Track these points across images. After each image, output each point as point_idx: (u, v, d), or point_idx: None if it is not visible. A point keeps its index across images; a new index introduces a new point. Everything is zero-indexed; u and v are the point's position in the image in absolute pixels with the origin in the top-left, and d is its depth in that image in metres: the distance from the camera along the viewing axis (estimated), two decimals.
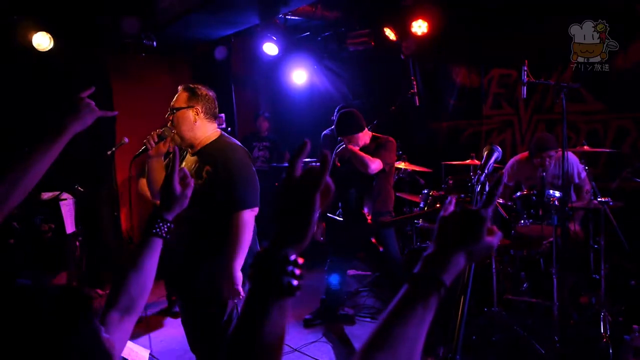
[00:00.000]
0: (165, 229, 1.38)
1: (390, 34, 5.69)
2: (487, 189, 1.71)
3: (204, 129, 2.71)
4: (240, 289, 2.53)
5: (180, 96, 2.70)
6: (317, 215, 0.86)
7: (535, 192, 3.83)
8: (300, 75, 6.81)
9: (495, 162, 1.77)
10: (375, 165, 3.86)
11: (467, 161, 4.44)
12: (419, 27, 5.39)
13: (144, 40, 5.11)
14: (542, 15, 4.69)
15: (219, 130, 2.80)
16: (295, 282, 0.82)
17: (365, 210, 3.99)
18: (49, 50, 4.99)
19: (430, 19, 5.32)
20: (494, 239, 0.97)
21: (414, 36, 5.44)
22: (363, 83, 6.62)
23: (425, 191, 4.61)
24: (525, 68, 3.63)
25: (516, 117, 5.36)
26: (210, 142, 2.72)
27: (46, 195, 4.89)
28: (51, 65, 5.25)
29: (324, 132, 6.72)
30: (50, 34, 4.91)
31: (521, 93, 3.76)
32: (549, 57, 4.65)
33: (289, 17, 5.70)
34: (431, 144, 5.82)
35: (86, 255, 5.49)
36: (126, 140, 4.53)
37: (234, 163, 2.65)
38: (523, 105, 5.28)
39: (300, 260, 0.83)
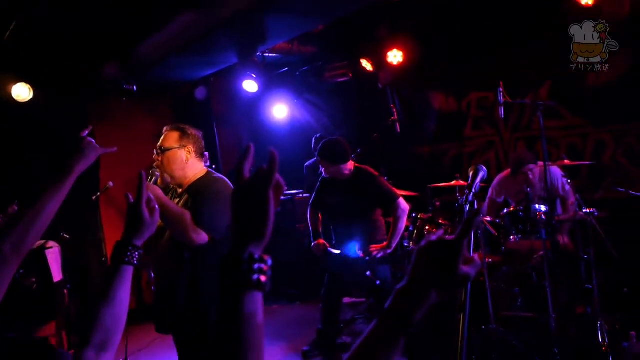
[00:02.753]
0: (137, 256, 1.34)
1: (367, 65, 5.84)
2: (475, 207, 1.75)
3: (194, 167, 2.73)
4: None
5: (170, 136, 2.71)
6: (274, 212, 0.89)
7: (522, 207, 3.89)
8: (281, 110, 6.90)
9: (481, 181, 1.81)
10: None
11: (453, 182, 4.50)
12: (395, 56, 5.55)
13: (124, 85, 5.15)
14: (512, 38, 4.87)
15: (206, 168, 2.82)
16: (263, 278, 0.86)
17: (360, 244, 3.99)
18: (29, 101, 5.00)
19: (404, 48, 5.48)
20: (472, 269, 0.95)
21: (390, 66, 5.59)
22: (343, 114, 6.72)
23: (414, 215, 4.64)
24: (501, 89, 3.75)
25: (498, 137, 5.48)
26: (198, 179, 2.74)
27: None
28: (31, 116, 5.26)
29: (306, 163, 6.79)
30: (30, 85, 4.93)
31: (499, 113, 3.88)
32: (523, 77, 4.80)
33: (267, 54, 5.81)
34: (415, 169, 5.90)
35: (75, 303, 5.38)
36: (111, 184, 4.51)
37: (208, 190, 2.66)
38: (503, 125, 5.41)
39: (266, 257, 0.87)
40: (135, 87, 5.18)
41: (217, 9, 3.87)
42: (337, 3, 3.70)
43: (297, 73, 6.70)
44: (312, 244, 4.40)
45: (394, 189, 4.07)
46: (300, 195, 6.55)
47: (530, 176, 4.16)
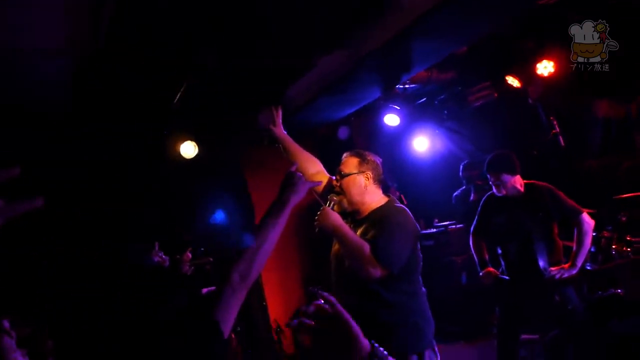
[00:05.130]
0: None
1: (513, 81, 5.52)
2: None
3: (373, 194, 2.71)
4: None
5: (349, 161, 2.74)
6: None
7: None
8: (421, 142, 6.76)
9: None
10: None
11: None
12: (545, 68, 5.17)
13: None
14: None
15: (386, 196, 2.77)
16: None
17: (541, 265, 3.64)
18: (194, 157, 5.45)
19: (555, 57, 5.10)
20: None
21: (541, 78, 5.22)
22: (490, 136, 6.40)
23: (594, 234, 4.17)
24: None
25: None
26: (378, 207, 2.69)
27: (205, 290, 5.12)
28: (194, 169, 5.73)
29: (455, 193, 6.52)
30: (195, 142, 5.38)
31: None
32: None
33: (408, 85, 5.78)
34: (583, 185, 5.35)
35: (242, 347, 5.58)
36: None
37: (389, 221, 2.59)
38: None
39: None
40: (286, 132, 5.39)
41: (364, 41, 3.93)
42: (491, 13, 3.55)
43: (436, 102, 6.57)
44: (480, 273, 4.12)
45: (573, 205, 3.70)
46: (454, 226, 6.27)
47: None
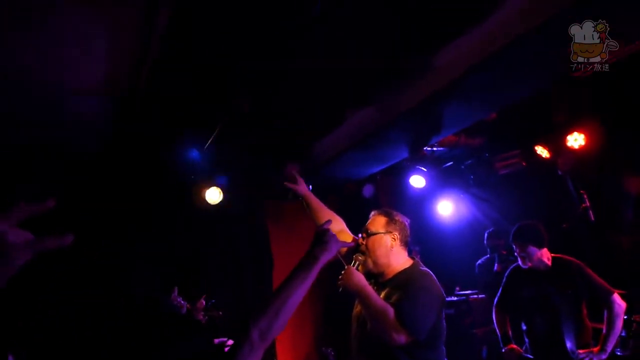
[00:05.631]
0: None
1: (542, 151, 5.48)
2: None
3: (399, 256, 2.63)
4: None
5: (377, 220, 2.68)
6: None
7: None
8: (446, 206, 6.69)
9: None
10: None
11: None
12: (575, 140, 5.13)
13: None
14: None
15: (411, 259, 2.70)
16: None
17: (568, 346, 3.44)
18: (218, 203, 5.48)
19: (586, 130, 5.06)
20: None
21: (571, 150, 5.16)
22: (516, 205, 6.28)
23: (625, 317, 3.95)
24: None
25: None
26: (403, 270, 2.60)
27: (217, 341, 4.99)
28: (217, 216, 5.74)
29: (478, 261, 6.34)
30: (220, 188, 5.42)
31: None
32: None
33: (436, 148, 5.78)
34: (613, 262, 5.16)
35: None
36: None
37: (414, 286, 2.49)
38: None
39: None
40: (310, 187, 5.40)
41: (398, 100, 3.97)
42: (524, 80, 3.56)
43: (463, 166, 6.54)
44: (503, 349, 3.93)
45: (603, 285, 3.54)
46: (475, 296, 6.06)
47: None
